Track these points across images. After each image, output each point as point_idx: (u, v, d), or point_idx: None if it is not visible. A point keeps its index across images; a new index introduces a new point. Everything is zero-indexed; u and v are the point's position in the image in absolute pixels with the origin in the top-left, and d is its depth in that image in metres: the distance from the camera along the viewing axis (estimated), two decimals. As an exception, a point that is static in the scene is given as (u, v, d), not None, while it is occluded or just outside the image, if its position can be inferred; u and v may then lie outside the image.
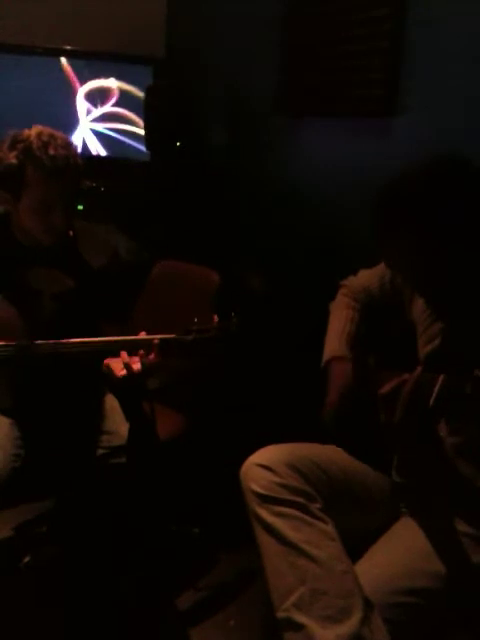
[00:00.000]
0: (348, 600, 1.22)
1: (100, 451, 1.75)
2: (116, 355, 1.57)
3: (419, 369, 1.19)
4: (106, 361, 1.59)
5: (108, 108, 3.13)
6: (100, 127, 3.15)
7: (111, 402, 1.90)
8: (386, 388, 1.21)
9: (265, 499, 1.33)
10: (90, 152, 3.16)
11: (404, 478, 1.44)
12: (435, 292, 1.35)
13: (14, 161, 1.61)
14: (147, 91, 2.98)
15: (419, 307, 1.51)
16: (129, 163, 3.16)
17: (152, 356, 1.54)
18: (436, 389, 1.14)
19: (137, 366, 1.53)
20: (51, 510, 2.07)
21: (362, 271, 1.79)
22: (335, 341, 1.65)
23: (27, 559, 2.03)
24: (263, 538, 1.32)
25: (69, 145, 1.67)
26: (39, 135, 1.62)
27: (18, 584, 1.98)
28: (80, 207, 2.68)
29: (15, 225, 1.73)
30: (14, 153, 1.61)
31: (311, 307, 1.89)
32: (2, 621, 1.83)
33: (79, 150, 3.07)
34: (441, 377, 1.14)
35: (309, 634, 1.20)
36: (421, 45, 2.17)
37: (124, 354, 1.54)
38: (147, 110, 2.99)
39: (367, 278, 1.74)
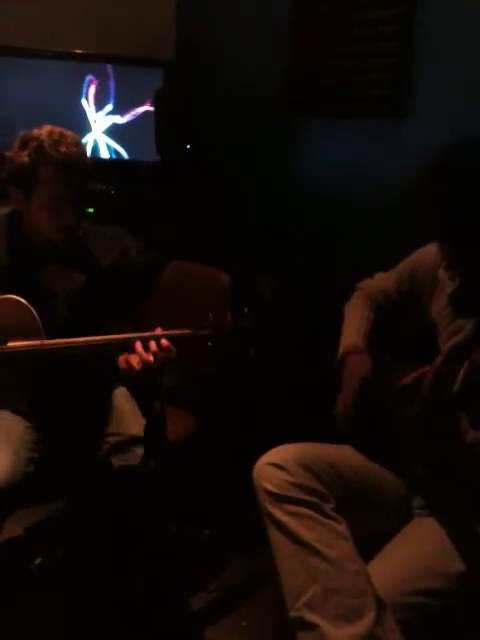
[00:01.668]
0: (360, 600, 1.22)
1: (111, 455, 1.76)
2: (132, 351, 1.56)
3: (439, 359, 1.19)
4: (122, 357, 1.58)
5: (118, 111, 3.14)
6: (107, 129, 3.16)
7: (121, 403, 1.90)
8: (407, 379, 1.21)
9: (278, 498, 1.33)
10: (100, 155, 3.17)
11: (427, 473, 1.43)
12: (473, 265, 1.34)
13: (26, 160, 1.63)
14: (156, 93, 2.99)
15: (440, 304, 1.52)
16: (139, 165, 3.17)
17: (167, 346, 1.54)
18: (460, 377, 1.14)
19: (151, 358, 1.52)
20: (62, 512, 2.07)
21: (378, 274, 1.80)
22: (351, 336, 1.66)
23: (38, 560, 2.04)
24: (276, 537, 1.31)
25: (79, 143, 1.69)
26: (50, 134, 1.64)
27: (29, 585, 1.98)
28: (91, 210, 2.70)
29: (27, 225, 1.74)
30: (26, 152, 1.63)
31: (314, 308, 1.89)
32: (13, 622, 1.84)
33: (89, 153, 3.07)
34: (466, 363, 1.15)
35: (322, 634, 1.20)
36: (429, 46, 2.17)
37: (139, 347, 1.54)
38: (157, 113, 3.00)
39: (384, 280, 1.75)
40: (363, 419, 1.51)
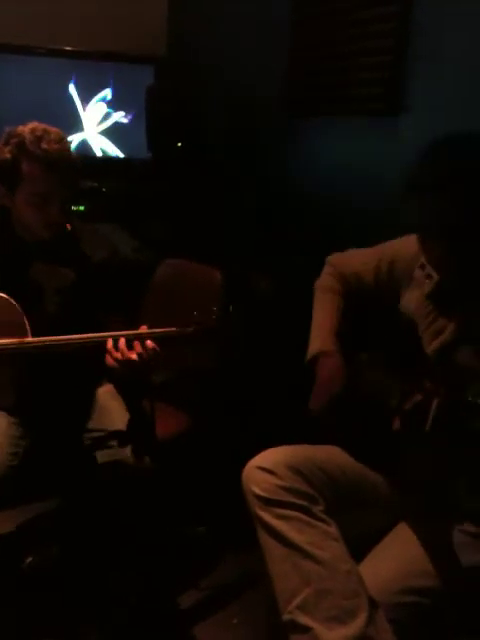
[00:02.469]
0: (353, 601, 1.22)
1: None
2: (116, 349, 1.56)
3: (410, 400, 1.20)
4: (109, 347, 1.58)
5: (109, 108, 3.13)
6: (102, 127, 3.15)
7: (106, 400, 1.90)
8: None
9: (267, 502, 1.33)
10: (92, 152, 3.16)
11: (419, 475, 1.42)
12: (461, 264, 1.31)
13: (8, 156, 1.64)
14: (148, 91, 2.98)
15: (417, 299, 1.49)
16: (131, 163, 3.16)
17: (152, 345, 1.54)
18: (431, 415, 1.14)
19: (135, 357, 1.53)
20: (54, 510, 2.07)
21: (352, 251, 1.76)
22: (322, 334, 1.62)
23: (30, 559, 2.03)
24: (266, 541, 1.32)
25: (63, 140, 1.69)
26: (33, 130, 1.64)
27: (21, 584, 1.98)
28: (82, 207, 2.69)
29: (15, 221, 1.75)
30: (8, 148, 1.64)
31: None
32: (4, 621, 1.83)
33: (81, 151, 3.07)
34: (435, 401, 1.14)
35: (315, 636, 1.20)
36: (425, 44, 2.16)
37: (122, 344, 1.54)
38: (148, 110, 2.99)
39: (358, 261, 1.70)
40: (336, 423, 1.50)
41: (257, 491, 1.34)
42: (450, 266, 1.33)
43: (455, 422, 1.13)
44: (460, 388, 1.14)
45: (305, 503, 1.32)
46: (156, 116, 2.95)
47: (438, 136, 1.29)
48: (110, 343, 1.56)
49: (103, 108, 3.12)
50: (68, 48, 2.99)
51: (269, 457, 1.41)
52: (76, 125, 3.08)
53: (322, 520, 1.31)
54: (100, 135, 3.15)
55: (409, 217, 1.32)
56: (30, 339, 1.57)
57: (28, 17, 2.99)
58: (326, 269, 1.77)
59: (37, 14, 3.02)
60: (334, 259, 1.78)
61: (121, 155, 3.19)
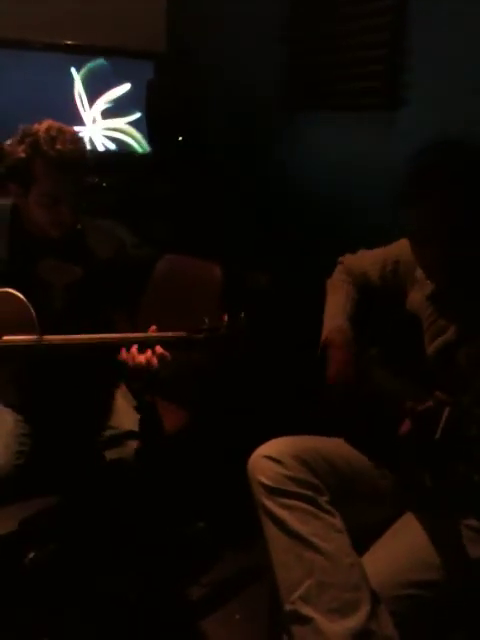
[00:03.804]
0: (355, 593, 1.22)
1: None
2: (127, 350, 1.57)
3: (420, 406, 1.18)
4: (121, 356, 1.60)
5: (109, 104, 3.13)
6: (101, 122, 3.15)
7: (117, 398, 1.90)
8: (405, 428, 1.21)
9: (273, 491, 1.33)
10: (92, 147, 3.15)
11: (423, 475, 1.40)
12: (454, 269, 1.32)
13: (22, 155, 1.63)
14: (148, 86, 2.99)
15: (419, 300, 1.50)
16: (131, 158, 3.15)
17: (161, 353, 1.55)
18: (442, 423, 1.12)
19: (151, 362, 1.54)
20: (56, 506, 2.06)
21: (362, 252, 1.78)
22: (335, 316, 1.63)
23: (31, 555, 2.03)
24: (270, 530, 1.32)
25: (78, 140, 1.68)
26: (48, 129, 1.63)
27: (22, 580, 1.98)
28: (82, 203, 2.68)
29: (25, 218, 1.74)
30: (22, 147, 1.63)
31: (312, 303, 1.88)
32: (6, 617, 1.83)
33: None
34: (447, 410, 1.12)
35: (316, 627, 1.20)
36: (422, 37, 2.16)
37: (134, 351, 1.55)
38: (148, 105, 2.99)
39: (368, 261, 1.72)
40: (352, 402, 1.50)
41: (263, 480, 1.34)
42: (442, 273, 1.35)
43: (461, 432, 1.11)
44: (468, 398, 1.14)
45: (310, 494, 1.32)
46: (156, 111, 2.95)
47: (425, 145, 1.31)
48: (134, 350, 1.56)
49: (102, 103, 3.11)
50: (68, 42, 2.98)
51: (275, 446, 1.42)
52: (77, 120, 3.07)
53: (327, 511, 1.31)
54: (101, 130, 3.15)
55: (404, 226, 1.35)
56: (42, 337, 1.57)
57: (26, 11, 2.97)
58: (338, 268, 1.80)
59: (35, 9, 3.00)
60: (345, 259, 1.81)
61: (122, 150, 3.18)
